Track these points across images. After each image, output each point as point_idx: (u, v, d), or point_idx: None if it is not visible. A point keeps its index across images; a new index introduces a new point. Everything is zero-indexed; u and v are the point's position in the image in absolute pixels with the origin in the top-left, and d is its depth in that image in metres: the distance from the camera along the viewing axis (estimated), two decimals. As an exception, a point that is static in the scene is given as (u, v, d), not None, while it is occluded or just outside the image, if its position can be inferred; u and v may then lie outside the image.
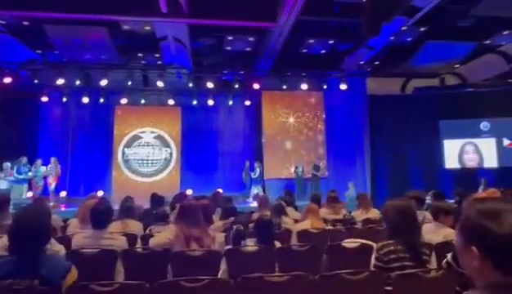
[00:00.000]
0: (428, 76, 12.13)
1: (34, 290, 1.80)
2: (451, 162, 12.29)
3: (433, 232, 3.51)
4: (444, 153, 12.37)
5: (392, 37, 9.25)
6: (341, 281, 2.33)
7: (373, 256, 2.70)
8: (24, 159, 10.43)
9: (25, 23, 9.01)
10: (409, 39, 9.70)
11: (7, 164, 10.19)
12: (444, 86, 12.20)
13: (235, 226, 3.49)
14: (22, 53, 10.43)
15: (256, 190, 11.41)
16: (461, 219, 1.10)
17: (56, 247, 2.58)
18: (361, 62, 10.93)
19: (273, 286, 2.26)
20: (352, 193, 11.01)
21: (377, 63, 11.18)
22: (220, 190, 9.19)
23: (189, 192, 10.47)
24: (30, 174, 10.35)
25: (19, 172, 10.18)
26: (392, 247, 2.50)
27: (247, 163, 12.12)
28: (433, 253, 2.81)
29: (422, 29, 9.17)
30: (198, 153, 12.89)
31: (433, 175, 11.86)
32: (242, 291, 2.21)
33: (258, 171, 11.69)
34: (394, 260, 2.48)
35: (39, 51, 10.64)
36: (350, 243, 3.37)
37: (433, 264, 2.69)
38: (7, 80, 10.58)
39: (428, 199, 5.40)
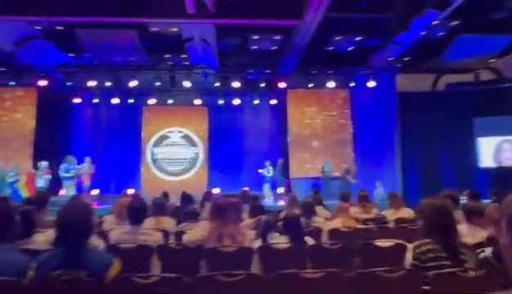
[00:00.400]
0: (461, 71, 11.69)
1: (81, 281, 1.89)
2: (486, 160, 11.81)
3: (469, 235, 3.35)
4: (479, 152, 11.90)
5: (422, 32, 8.98)
6: (377, 279, 2.29)
7: (409, 255, 2.65)
8: (70, 158, 10.95)
9: (59, 28, 9.37)
10: (440, 34, 9.39)
11: (43, 163, 10.66)
12: (478, 81, 11.73)
13: (264, 217, 3.53)
14: (56, 57, 10.85)
15: (268, 189, 11.35)
16: (507, 216, 1.08)
17: (95, 242, 2.67)
18: (390, 58, 10.67)
19: (308, 282, 2.26)
20: (381, 192, 10.79)
21: (407, 59, 10.88)
22: (247, 189, 9.24)
23: (216, 190, 10.59)
24: (74, 171, 10.85)
25: (67, 170, 10.66)
26: (429, 246, 2.46)
27: (280, 161, 12.05)
28: (472, 254, 2.71)
29: (454, 23, 8.85)
30: (224, 152, 13.00)
31: (467, 175, 11.41)
32: (277, 286, 2.22)
33: (270, 169, 11.64)
34: (432, 259, 2.43)
35: (72, 55, 11.03)
36: (383, 242, 3.32)
37: (472, 264, 2.61)
38: (43, 83, 11.06)
39: (464, 199, 5.22)
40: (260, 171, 11.68)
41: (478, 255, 2.76)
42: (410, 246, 2.87)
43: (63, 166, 10.73)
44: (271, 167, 11.65)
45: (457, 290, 2.32)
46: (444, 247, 2.46)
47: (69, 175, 10.67)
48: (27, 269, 1.92)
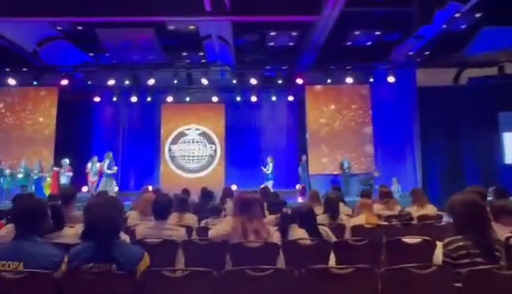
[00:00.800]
0: (484, 65, 11.34)
1: (112, 274, 1.92)
2: (511, 156, 11.45)
3: (498, 235, 3.20)
4: (504, 148, 11.54)
5: (444, 25, 8.77)
6: (408, 275, 2.24)
7: (439, 252, 2.58)
8: (110, 153, 11.18)
9: (79, 28, 9.54)
10: (463, 26, 9.15)
11: (65, 161, 10.89)
12: (503, 75, 11.35)
13: (284, 209, 3.52)
14: (76, 56, 11.08)
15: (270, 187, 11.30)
16: None
17: (122, 237, 2.71)
18: (410, 53, 10.47)
19: (337, 278, 2.23)
20: (397, 189, 10.58)
21: (427, 53, 10.64)
22: (265, 185, 9.22)
23: (233, 187, 10.60)
24: (115, 168, 11.10)
25: (109, 167, 10.88)
26: (461, 243, 2.38)
27: (303, 158, 11.99)
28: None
29: (477, 15, 8.62)
30: (242, 148, 13.05)
31: (491, 171, 11.08)
32: (306, 281, 2.20)
33: (270, 166, 11.56)
34: (464, 256, 2.35)
35: (92, 54, 11.25)
36: (410, 239, 3.24)
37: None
38: (64, 82, 11.30)
39: (490, 196, 5.05)
40: (262, 167, 11.67)
41: (507, 240, 2.68)
42: (439, 243, 2.80)
43: (106, 163, 10.88)
44: (271, 164, 11.61)
45: (492, 287, 2.24)
46: (477, 244, 2.38)
47: (110, 172, 10.88)
48: (59, 262, 1.96)
